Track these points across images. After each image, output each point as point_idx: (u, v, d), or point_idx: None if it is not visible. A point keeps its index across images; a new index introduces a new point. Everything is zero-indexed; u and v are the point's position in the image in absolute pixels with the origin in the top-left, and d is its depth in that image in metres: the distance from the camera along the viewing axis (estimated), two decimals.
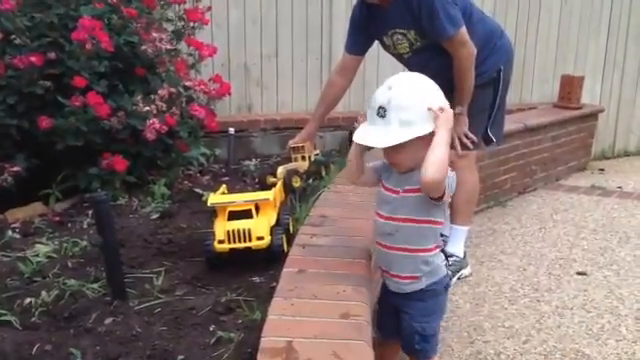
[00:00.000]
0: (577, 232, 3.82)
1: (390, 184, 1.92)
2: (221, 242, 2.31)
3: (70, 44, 3.06)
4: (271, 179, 2.99)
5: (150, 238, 2.71)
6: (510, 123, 4.02)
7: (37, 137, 3.06)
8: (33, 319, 2.03)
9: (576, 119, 5.02)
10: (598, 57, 5.53)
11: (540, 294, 3.02)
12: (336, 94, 3.11)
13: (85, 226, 2.86)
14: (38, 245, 2.59)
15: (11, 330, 1.95)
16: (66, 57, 3.07)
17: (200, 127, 3.58)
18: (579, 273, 3.25)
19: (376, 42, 2.98)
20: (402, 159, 1.84)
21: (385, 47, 2.96)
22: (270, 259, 2.35)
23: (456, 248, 3.14)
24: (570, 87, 5.08)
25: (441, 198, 1.82)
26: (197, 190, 3.38)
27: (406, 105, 1.79)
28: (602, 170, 5.30)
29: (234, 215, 2.37)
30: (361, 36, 2.96)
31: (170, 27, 3.66)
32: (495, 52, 2.96)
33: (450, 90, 2.82)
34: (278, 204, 2.63)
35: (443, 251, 3.13)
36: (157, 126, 3.11)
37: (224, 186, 2.80)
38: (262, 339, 1.57)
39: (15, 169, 2.97)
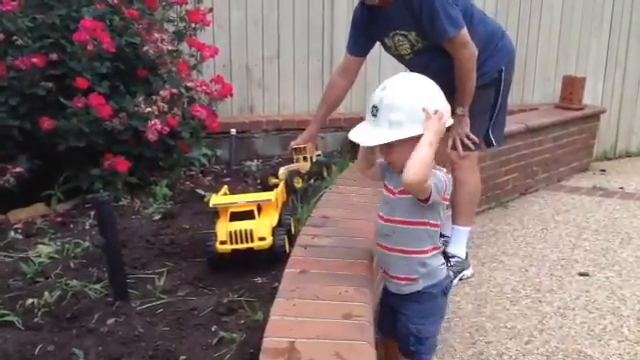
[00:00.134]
0: (579, 233, 3.82)
1: (391, 184, 1.93)
2: (223, 243, 2.31)
3: (72, 45, 3.06)
4: (273, 180, 2.99)
5: (152, 239, 2.71)
6: (511, 124, 4.02)
7: (39, 138, 3.06)
8: (35, 319, 2.03)
9: (578, 120, 5.02)
10: (600, 55, 5.52)
11: (542, 295, 3.01)
12: (338, 95, 3.11)
13: (87, 227, 2.87)
14: (40, 246, 2.59)
15: (14, 330, 1.95)
16: (68, 58, 3.07)
17: (202, 128, 3.58)
18: (581, 274, 3.25)
19: (378, 43, 2.99)
20: (394, 159, 1.86)
21: (386, 48, 2.97)
22: (272, 260, 2.36)
23: (458, 249, 3.15)
24: (572, 88, 5.07)
25: (427, 200, 1.82)
26: (199, 191, 3.38)
27: (397, 106, 1.80)
28: (604, 171, 5.29)
29: (236, 216, 2.38)
30: (362, 37, 2.96)
31: (171, 28, 3.66)
32: (496, 53, 2.96)
33: (451, 91, 2.82)
34: (280, 205, 2.63)
35: (444, 253, 3.16)
36: (159, 127, 3.12)
37: (226, 187, 2.81)
38: (264, 339, 1.57)
39: (17, 170, 2.97)
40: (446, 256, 3.14)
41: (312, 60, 4.67)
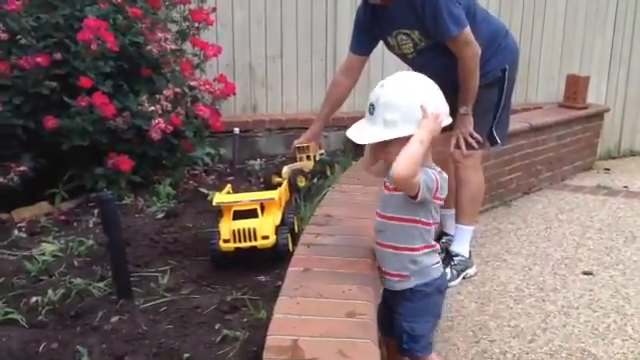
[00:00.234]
0: (583, 232, 3.81)
1: (388, 181, 1.95)
2: (226, 241, 2.31)
3: (76, 44, 3.07)
4: (276, 179, 2.99)
5: (156, 237, 2.72)
6: (515, 123, 4.02)
7: (43, 137, 3.06)
8: (40, 317, 2.03)
9: (582, 119, 5.01)
10: (604, 54, 5.51)
11: (545, 293, 3.01)
12: (341, 94, 3.11)
13: (91, 225, 2.87)
14: (44, 244, 2.60)
15: (18, 328, 1.96)
16: (72, 57, 3.08)
17: (205, 127, 3.59)
18: (585, 273, 3.24)
19: (381, 42, 2.99)
20: (389, 157, 1.86)
21: (389, 47, 2.96)
22: (275, 258, 2.35)
23: (461, 248, 3.15)
24: (576, 87, 5.06)
25: (416, 196, 1.83)
26: (202, 190, 3.39)
27: (392, 105, 1.82)
28: (608, 170, 5.28)
29: (239, 214, 2.38)
30: (365, 36, 2.96)
31: (175, 28, 3.67)
32: (500, 52, 2.96)
33: (454, 90, 2.83)
34: (283, 203, 2.63)
35: (448, 252, 3.16)
36: (162, 126, 3.12)
37: (229, 186, 2.81)
38: (268, 337, 1.58)
39: (21, 169, 2.97)
40: (449, 255, 3.14)
41: (315, 59, 4.67)
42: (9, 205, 2.99)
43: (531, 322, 2.74)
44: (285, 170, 3.02)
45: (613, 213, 4.15)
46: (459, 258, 3.12)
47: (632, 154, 5.82)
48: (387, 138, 1.83)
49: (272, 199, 2.45)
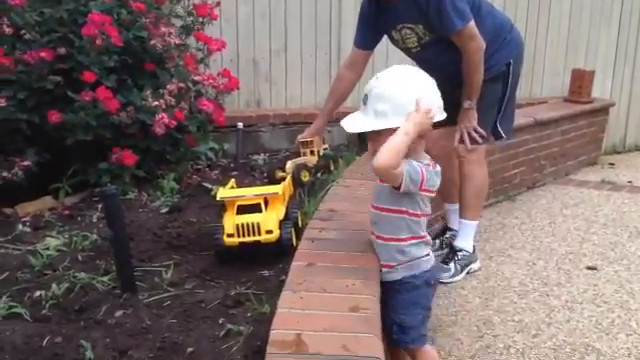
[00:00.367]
0: (587, 227, 3.80)
1: (371, 171, 1.96)
2: (230, 236, 2.31)
3: (80, 39, 3.07)
4: (280, 173, 2.99)
5: (159, 232, 2.72)
6: (520, 117, 4.00)
7: (47, 132, 3.07)
8: (44, 312, 2.04)
9: (587, 113, 4.99)
10: (609, 50, 5.49)
11: (550, 288, 3.01)
12: (345, 89, 3.11)
13: (95, 220, 2.87)
14: (48, 238, 2.60)
15: (22, 322, 1.96)
16: (76, 52, 3.08)
17: (209, 122, 3.58)
18: (589, 268, 3.24)
19: (385, 36, 2.98)
20: (378, 148, 1.86)
21: (393, 42, 2.96)
22: (279, 253, 2.35)
23: (465, 242, 3.14)
24: (581, 81, 5.04)
25: (399, 188, 1.85)
26: (206, 184, 3.39)
27: (384, 96, 1.85)
28: (612, 165, 5.26)
29: (243, 209, 2.37)
30: (370, 31, 2.95)
31: (179, 22, 3.66)
32: (505, 46, 2.94)
33: (459, 84, 2.82)
34: (287, 198, 2.63)
35: (452, 247, 3.16)
36: (166, 121, 3.12)
37: (233, 180, 2.81)
38: (271, 332, 1.57)
39: (25, 163, 2.98)
40: (453, 250, 3.14)
41: (319, 53, 4.66)
42: (13, 200, 2.99)
43: (535, 317, 2.74)
44: (289, 165, 3.02)
45: (617, 208, 4.14)
46: (463, 253, 3.12)
47: (637, 149, 5.81)
48: (376, 128, 1.86)
49: (276, 194, 2.45)
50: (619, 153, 5.67)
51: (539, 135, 4.48)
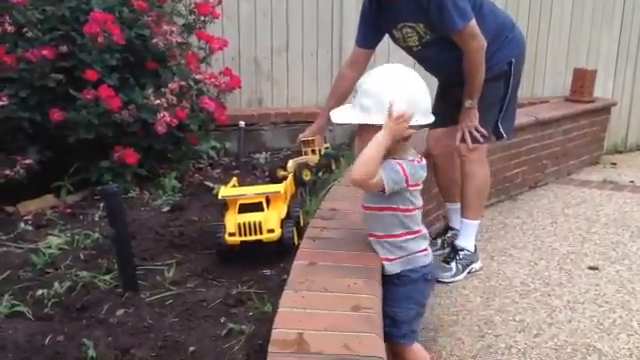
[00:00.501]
0: (589, 226, 3.80)
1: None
2: (232, 235, 2.31)
3: (82, 37, 3.07)
4: (281, 172, 2.99)
5: (161, 231, 2.72)
6: (521, 117, 4.00)
7: (49, 130, 3.07)
8: (46, 310, 2.04)
9: (588, 113, 4.99)
10: (611, 50, 5.48)
11: (551, 288, 3.01)
12: (347, 87, 3.08)
13: (97, 218, 2.88)
14: (50, 237, 2.61)
15: (24, 321, 1.97)
16: (78, 50, 3.08)
17: (210, 120, 3.58)
18: (590, 267, 3.23)
19: (387, 35, 2.97)
20: (362, 146, 1.88)
21: (395, 40, 2.95)
22: (281, 252, 2.35)
23: (467, 242, 3.14)
24: (583, 81, 5.03)
25: (384, 192, 1.88)
26: (208, 183, 3.39)
27: (369, 92, 1.89)
28: (614, 164, 5.26)
29: (245, 208, 2.37)
30: (371, 30, 2.95)
31: (181, 21, 3.66)
32: (506, 45, 2.94)
33: (460, 83, 2.82)
34: (289, 197, 2.63)
35: (454, 246, 3.16)
36: (168, 119, 3.12)
37: (235, 179, 2.81)
38: (273, 331, 1.57)
39: (27, 161, 2.98)
40: (455, 249, 3.14)
41: (321, 52, 4.66)
42: (15, 198, 3.00)
43: (536, 317, 2.74)
44: (290, 164, 3.02)
45: (619, 208, 4.14)
46: (464, 252, 3.12)
47: (638, 149, 5.80)
48: (358, 122, 1.91)
49: (278, 192, 2.45)
50: (621, 153, 5.67)
51: (541, 135, 4.47)
